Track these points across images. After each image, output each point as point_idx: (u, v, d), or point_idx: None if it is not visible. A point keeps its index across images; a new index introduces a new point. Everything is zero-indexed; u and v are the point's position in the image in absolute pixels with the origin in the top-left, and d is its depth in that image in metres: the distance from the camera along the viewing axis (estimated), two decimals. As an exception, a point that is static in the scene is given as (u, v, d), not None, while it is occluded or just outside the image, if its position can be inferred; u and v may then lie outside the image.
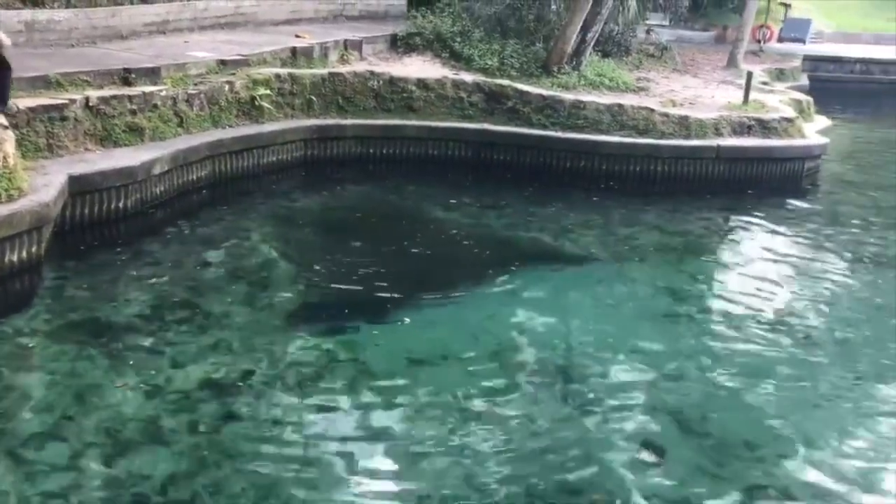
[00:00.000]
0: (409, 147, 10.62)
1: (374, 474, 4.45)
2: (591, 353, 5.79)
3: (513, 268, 7.30)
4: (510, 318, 6.32)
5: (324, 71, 10.63)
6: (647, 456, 4.67)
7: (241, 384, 5.12)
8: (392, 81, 10.82)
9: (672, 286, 7.22)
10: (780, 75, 17.13)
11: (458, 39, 12.28)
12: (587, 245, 8.18)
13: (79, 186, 7.19)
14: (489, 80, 11.10)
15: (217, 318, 5.97)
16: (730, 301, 6.92)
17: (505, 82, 11.03)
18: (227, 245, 7.45)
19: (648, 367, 5.66)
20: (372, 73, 10.82)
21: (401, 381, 5.29)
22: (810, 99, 13.54)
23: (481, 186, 10.02)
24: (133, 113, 8.27)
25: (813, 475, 4.61)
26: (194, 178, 8.73)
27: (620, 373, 5.54)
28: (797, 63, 18.78)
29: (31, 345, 5.42)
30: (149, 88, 8.56)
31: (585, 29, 11.95)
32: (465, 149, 10.69)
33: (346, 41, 11.84)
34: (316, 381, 5.24)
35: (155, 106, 8.55)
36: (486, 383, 5.28)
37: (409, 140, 10.63)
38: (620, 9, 13.62)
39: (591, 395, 5.26)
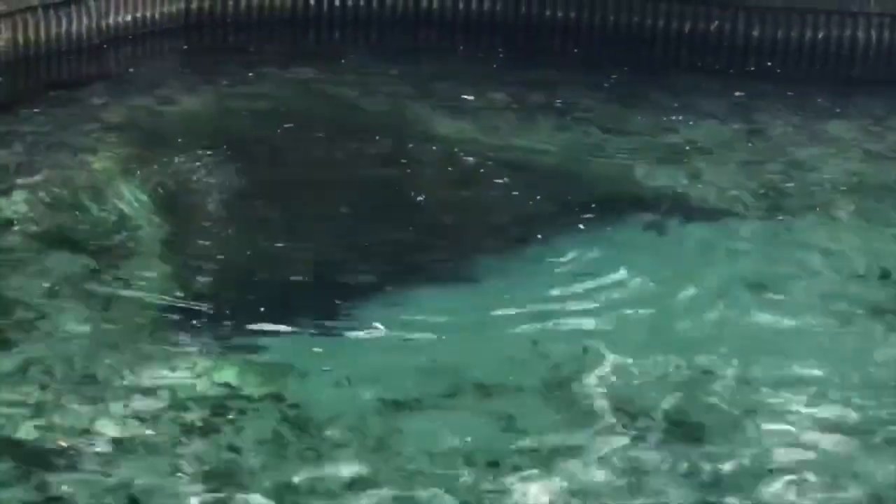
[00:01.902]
0: (386, -6, 10.56)
1: None
2: (733, 393, 5.67)
3: (580, 226, 7.30)
4: (576, 320, 6.27)
5: None
6: None
7: (65, 445, 5.00)
8: None
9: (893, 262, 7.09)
10: None
11: None
12: (723, 183, 8.10)
13: None
14: None
15: (25, 320, 5.94)
16: None
17: None
18: (42, 182, 7.42)
19: (844, 423, 5.51)
20: None
21: (365, 441, 5.16)
22: None
23: (522, 70, 9.97)
24: None
25: None
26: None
27: (793, 436, 5.40)
28: None
29: None
30: None
31: None
32: (490, -1, 10.64)
33: None
34: (206, 436, 5.12)
35: None
36: (528, 448, 5.18)
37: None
38: None
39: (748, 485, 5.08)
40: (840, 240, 7.33)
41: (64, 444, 5.03)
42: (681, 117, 9.15)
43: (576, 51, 10.51)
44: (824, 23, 10.39)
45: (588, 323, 6.22)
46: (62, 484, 4.78)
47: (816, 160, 8.53)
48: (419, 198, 7.63)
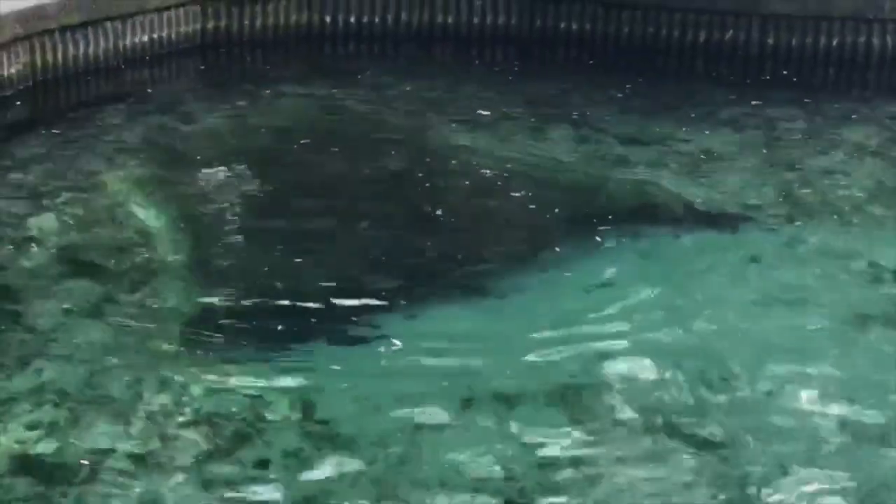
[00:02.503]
0: (400, 12, 10.64)
1: None
2: (753, 402, 5.65)
3: (597, 238, 7.28)
4: (595, 332, 6.23)
5: None
6: None
7: (86, 462, 4.96)
8: None
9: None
10: None
11: None
12: (741, 192, 8.10)
13: None
14: None
15: (44, 339, 5.90)
16: None
17: None
18: (61, 204, 7.45)
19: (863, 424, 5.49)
20: None
21: (387, 456, 5.12)
22: None
23: (538, 82, 10.02)
24: None
25: None
26: (-4, 78, 8.82)
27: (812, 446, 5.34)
28: None
29: None
30: None
31: None
32: (504, 12, 10.68)
33: None
34: (228, 453, 5.10)
35: None
36: (548, 463, 5.14)
37: (396, -1, 10.61)
38: None
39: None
40: (860, 246, 7.29)
41: (84, 461, 4.99)
42: (697, 127, 9.15)
43: (591, 62, 10.54)
44: (839, 29, 10.41)
45: (607, 335, 6.18)
46: (83, 502, 4.76)
47: (834, 167, 8.53)
48: (437, 212, 7.63)
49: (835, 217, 7.74)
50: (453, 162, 8.35)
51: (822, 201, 7.96)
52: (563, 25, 10.65)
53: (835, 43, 10.42)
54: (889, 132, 9.23)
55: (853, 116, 9.51)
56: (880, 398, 5.68)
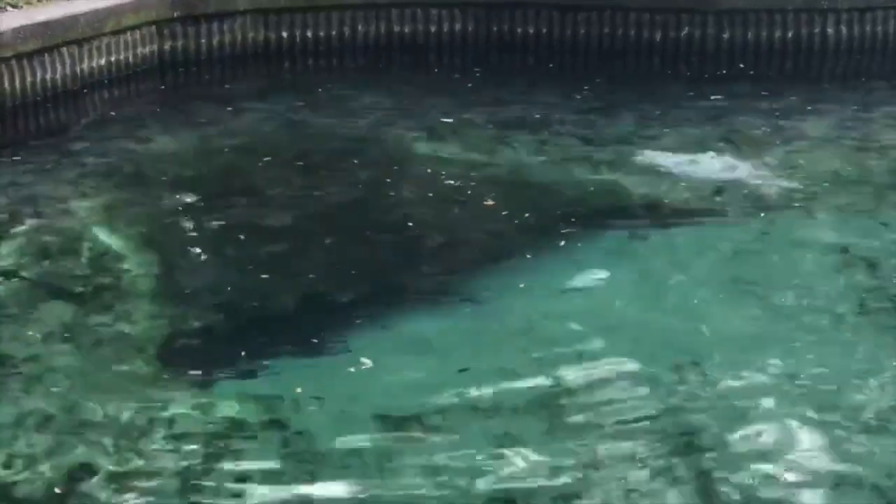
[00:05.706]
0: (356, 24, 10.70)
1: None
2: (729, 398, 5.63)
3: (565, 241, 7.29)
4: (566, 333, 6.23)
5: None
6: None
7: (63, 490, 4.93)
8: None
9: (880, 256, 7.10)
10: None
11: None
12: (704, 188, 8.14)
13: None
14: None
15: (19, 367, 5.88)
16: None
17: None
18: (27, 231, 7.44)
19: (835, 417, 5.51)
20: None
21: (366, 466, 5.13)
22: None
23: (496, 88, 10.09)
24: None
25: None
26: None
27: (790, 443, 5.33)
28: None
29: None
30: None
31: None
32: (460, 19, 10.77)
33: None
34: (208, 470, 5.08)
35: None
36: (527, 466, 5.14)
37: (353, 10, 10.65)
38: None
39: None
40: (825, 236, 7.36)
41: (64, 487, 4.95)
42: (658, 125, 9.23)
43: (550, 66, 10.65)
44: (793, 21, 10.57)
45: (579, 336, 6.18)
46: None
47: (795, 158, 8.60)
48: (404, 222, 7.62)
49: (799, 208, 7.80)
50: (417, 171, 8.37)
51: (785, 193, 8.02)
52: (519, 30, 10.75)
53: (790, 35, 10.56)
54: (847, 121, 9.35)
55: (810, 107, 9.63)
56: (856, 387, 5.69)
